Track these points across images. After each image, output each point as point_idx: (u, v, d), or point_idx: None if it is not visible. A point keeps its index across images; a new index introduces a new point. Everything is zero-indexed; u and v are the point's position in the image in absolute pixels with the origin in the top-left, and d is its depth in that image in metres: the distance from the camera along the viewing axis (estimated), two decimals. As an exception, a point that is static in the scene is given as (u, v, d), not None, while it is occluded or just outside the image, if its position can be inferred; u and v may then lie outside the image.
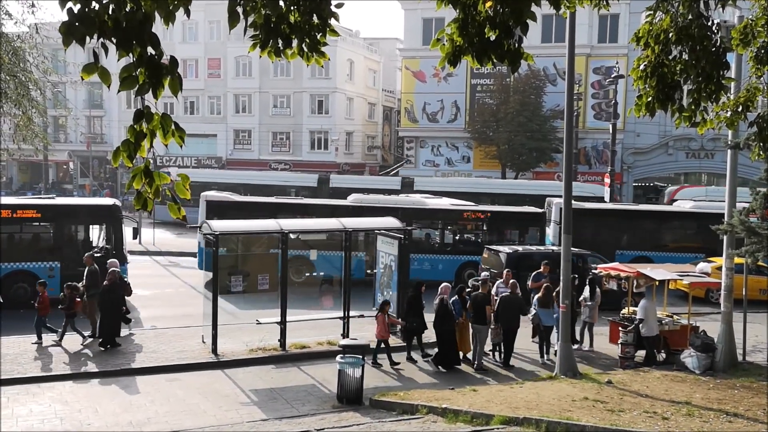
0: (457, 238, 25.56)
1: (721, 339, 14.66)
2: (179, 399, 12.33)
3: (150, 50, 3.58)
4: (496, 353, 15.47)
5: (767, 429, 10.10)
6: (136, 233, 24.85)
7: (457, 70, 47.21)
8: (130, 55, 3.59)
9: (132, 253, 23.43)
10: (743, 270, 15.76)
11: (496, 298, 15.70)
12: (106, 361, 14.11)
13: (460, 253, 24.71)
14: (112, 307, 15.16)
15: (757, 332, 16.59)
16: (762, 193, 13.99)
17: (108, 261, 16.81)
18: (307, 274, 21.93)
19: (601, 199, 35.83)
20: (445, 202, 26.53)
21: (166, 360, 14.34)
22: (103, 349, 14.86)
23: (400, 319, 15.57)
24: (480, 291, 15.12)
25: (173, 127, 3.77)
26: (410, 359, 14.99)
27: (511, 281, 16.07)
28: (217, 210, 23.40)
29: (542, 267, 17.87)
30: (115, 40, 3.46)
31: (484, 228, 25.45)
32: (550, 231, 26.40)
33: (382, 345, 14.62)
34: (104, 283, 15.45)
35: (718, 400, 11.80)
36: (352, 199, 25.45)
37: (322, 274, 21.31)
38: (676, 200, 34.56)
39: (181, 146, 4.07)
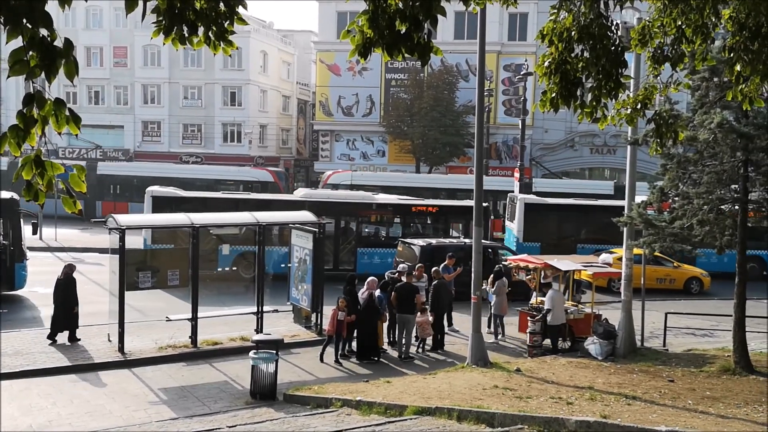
0: (404, 231, 25.68)
1: (621, 326, 15.37)
2: (84, 400, 11.84)
3: (42, 32, 3.36)
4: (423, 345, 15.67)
5: (662, 410, 10.67)
6: (35, 228, 23.69)
7: (372, 64, 47.52)
8: (21, 37, 3.37)
9: (32, 249, 22.31)
10: (642, 260, 16.60)
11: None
12: (3, 363, 13.36)
13: None
14: (65, 302, 14.68)
15: (654, 319, 17.49)
16: (658, 186, 14.69)
17: None
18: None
19: (267, 184, 36.40)
20: (392, 198, 26.66)
21: (70, 360, 13.73)
22: (50, 341, 14.54)
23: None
24: (406, 282, 15.28)
25: (67, 113, 3.56)
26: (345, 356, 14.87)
27: (425, 275, 16.32)
28: (164, 205, 22.74)
29: (447, 260, 18.17)
30: (2, 19, 3.23)
31: (429, 222, 25.74)
32: (515, 226, 26.74)
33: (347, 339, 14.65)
34: (59, 276, 14.99)
35: (619, 385, 12.38)
36: (300, 195, 25.20)
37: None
38: (330, 184, 35.62)
39: (76, 135, 3.86)
